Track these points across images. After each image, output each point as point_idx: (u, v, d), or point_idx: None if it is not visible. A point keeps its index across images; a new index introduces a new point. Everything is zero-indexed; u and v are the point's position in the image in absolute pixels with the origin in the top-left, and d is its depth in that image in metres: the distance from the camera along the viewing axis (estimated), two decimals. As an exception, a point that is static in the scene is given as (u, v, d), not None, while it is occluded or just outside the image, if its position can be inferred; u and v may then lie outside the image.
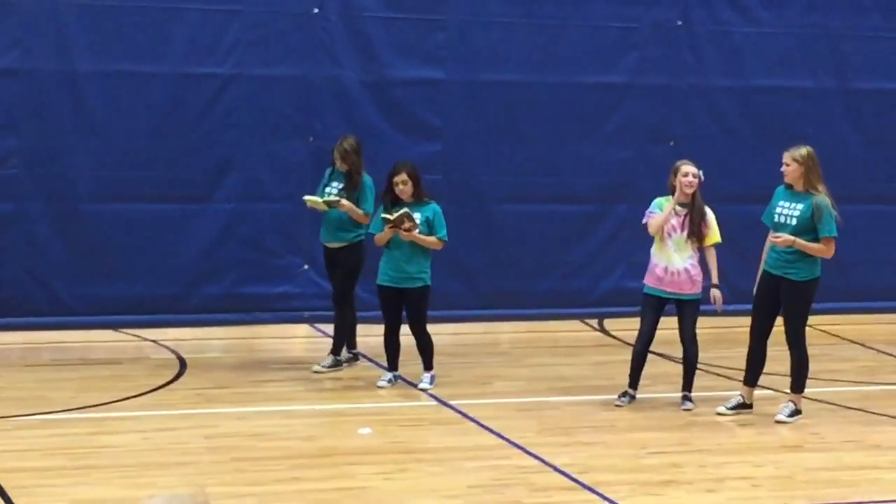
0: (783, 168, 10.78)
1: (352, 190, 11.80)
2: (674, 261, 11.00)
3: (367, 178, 11.90)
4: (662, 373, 12.02)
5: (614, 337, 13.86)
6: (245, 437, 9.99)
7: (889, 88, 14.88)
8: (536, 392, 11.60)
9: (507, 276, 14.11)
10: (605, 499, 8.80)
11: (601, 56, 14.19)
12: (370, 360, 12.36)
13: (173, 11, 13.12)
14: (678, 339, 11.14)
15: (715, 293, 11.08)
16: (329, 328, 12.64)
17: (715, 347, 12.67)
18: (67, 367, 12.16)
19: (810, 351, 10.91)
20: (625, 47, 14.25)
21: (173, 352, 12.71)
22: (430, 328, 11.58)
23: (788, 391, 10.97)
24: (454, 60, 13.85)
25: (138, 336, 13.23)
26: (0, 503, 8.42)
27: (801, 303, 10.74)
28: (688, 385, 11.18)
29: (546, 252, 14.20)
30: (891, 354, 13.46)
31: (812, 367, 10.94)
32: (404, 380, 11.68)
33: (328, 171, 12.11)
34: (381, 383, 11.59)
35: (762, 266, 10.90)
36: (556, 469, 9.40)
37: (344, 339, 12.19)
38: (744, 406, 11.01)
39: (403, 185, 11.36)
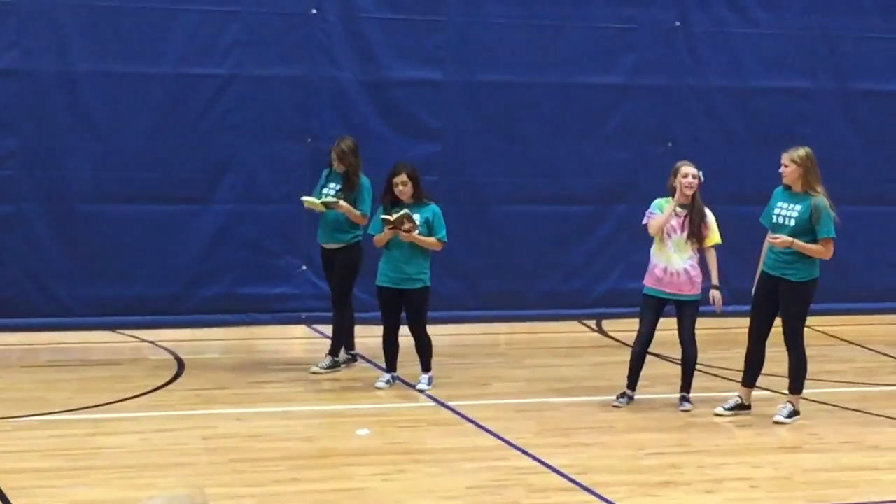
0: (781, 169, 10.78)
1: (349, 191, 11.80)
2: (673, 262, 11.00)
3: (365, 180, 11.89)
4: (661, 374, 12.03)
5: (612, 338, 13.86)
6: (243, 438, 9.99)
7: (888, 89, 14.87)
8: (535, 393, 11.60)
9: (506, 276, 14.11)
10: (604, 500, 8.80)
11: (600, 57, 14.19)
12: (368, 361, 12.36)
13: (171, 12, 13.11)
14: (676, 340, 11.14)
15: (714, 294, 11.07)
16: (327, 329, 12.64)
17: (713, 348, 12.67)
18: (66, 368, 12.16)
19: (809, 352, 10.91)
20: (623, 48, 14.25)
21: (172, 353, 12.71)
22: (429, 329, 11.58)
23: (787, 392, 10.97)
24: (453, 61, 13.85)
25: (137, 337, 13.23)
26: (-2, 504, 8.44)
27: (799, 304, 10.75)
28: (686, 386, 11.18)
29: (545, 253, 14.20)
30: (889, 355, 13.47)
31: (810, 367, 10.94)
32: (403, 381, 11.68)
33: (325, 172, 12.11)
34: (379, 384, 11.59)
35: (760, 267, 10.90)
36: (554, 470, 9.40)
37: (342, 340, 12.19)
38: (742, 407, 11.01)
39: (403, 186, 11.35)
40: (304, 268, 13.51)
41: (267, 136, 13.40)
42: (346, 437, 10.14)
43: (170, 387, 11.50)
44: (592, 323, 14.44)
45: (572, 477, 9.23)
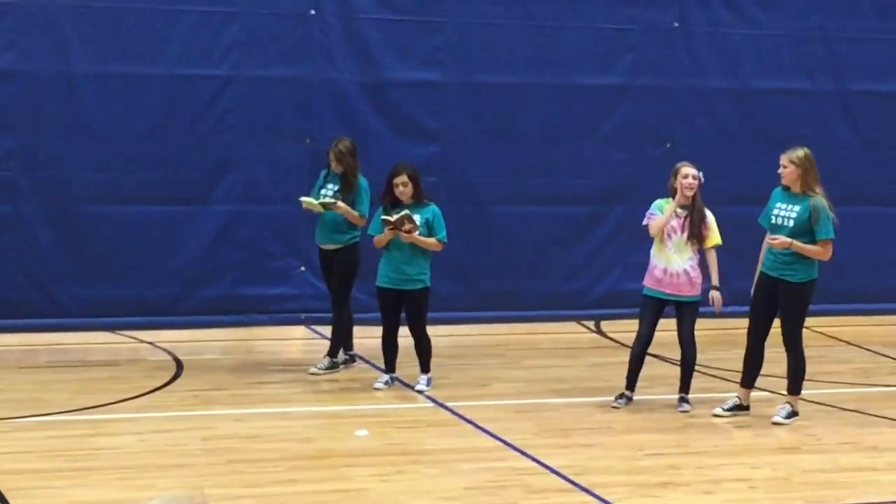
0: (780, 170, 10.78)
1: (347, 192, 11.79)
2: (673, 262, 11.00)
3: (363, 180, 11.88)
4: (660, 374, 12.02)
5: (611, 339, 13.86)
6: (242, 439, 9.99)
7: (886, 90, 14.89)
8: (534, 394, 11.60)
9: (505, 277, 14.12)
10: (602, 500, 8.80)
11: (598, 58, 14.20)
12: (367, 361, 12.36)
13: (170, 13, 13.12)
14: (676, 340, 11.14)
15: (714, 295, 11.07)
16: (326, 330, 12.64)
17: (712, 349, 12.66)
18: (65, 368, 12.15)
19: (807, 353, 10.90)
20: (621, 49, 14.26)
21: (170, 353, 12.70)
22: (428, 329, 11.57)
23: (785, 393, 10.97)
24: (451, 62, 13.85)
25: (136, 338, 13.22)
26: (-3, 505, 8.44)
27: (798, 304, 10.75)
28: (685, 387, 11.18)
29: (544, 253, 14.21)
30: (888, 356, 13.46)
31: (809, 368, 10.94)
32: (401, 382, 11.67)
33: (323, 172, 12.10)
34: (377, 385, 11.58)
35: (759, 268, 10.90)
36: (553, 471, 9.39)
37: (341, 341, 12.19)
38: (741, 408, 11.01)
39: (403, 187, 11.35)
40: (302, 268, 13.52)
41: (266, 137, 13.41)
42: (344, 438, 10.14)
43: (169, 387, 11.50)
44: (591, 324, 14.43)
45: (571, 478, 9.23)
